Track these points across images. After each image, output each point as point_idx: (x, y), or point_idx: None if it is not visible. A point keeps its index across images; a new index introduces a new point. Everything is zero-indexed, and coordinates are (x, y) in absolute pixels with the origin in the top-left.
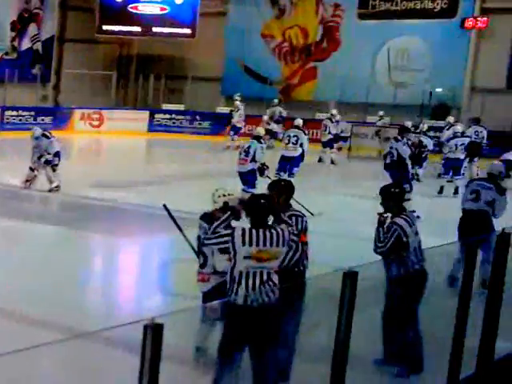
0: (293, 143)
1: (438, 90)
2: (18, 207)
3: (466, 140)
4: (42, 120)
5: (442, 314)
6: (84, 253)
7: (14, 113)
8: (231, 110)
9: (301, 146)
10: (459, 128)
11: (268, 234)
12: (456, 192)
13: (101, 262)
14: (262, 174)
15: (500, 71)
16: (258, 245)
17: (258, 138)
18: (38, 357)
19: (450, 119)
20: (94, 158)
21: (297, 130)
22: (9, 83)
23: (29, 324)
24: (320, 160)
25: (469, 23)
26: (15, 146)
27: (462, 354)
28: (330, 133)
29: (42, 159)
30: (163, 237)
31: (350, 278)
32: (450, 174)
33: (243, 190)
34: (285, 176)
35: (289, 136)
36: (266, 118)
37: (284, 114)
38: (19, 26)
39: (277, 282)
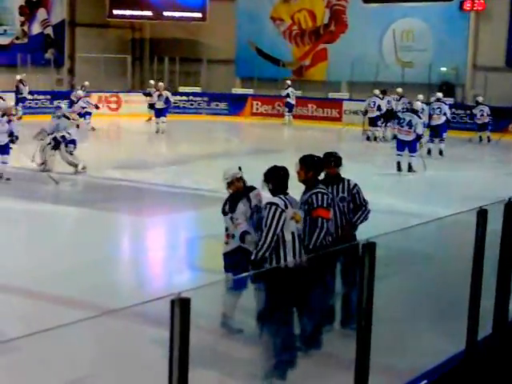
0: (437, 114)
1: (443, 68)
2: (42, 190)
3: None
4: (59, 103)
5: (457, 279)
6: (111, 232)
7: (29, 96)
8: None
9: (444, 114)
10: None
11: (291, 198)
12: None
13: (128, 241)
14: (418, 140)
15: (499, 50)
16: (292, 207)
17: (416, 112)
18: (68, 335)
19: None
20: (115, 140)
21: (439, 103)
22: (21, 68)
23: (60, 303)
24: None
25: (467, 5)
26: (32, 130)
27: (479, 316)
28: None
29: (58, 135)
30: (187, 214)
31: (368, 248)
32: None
33: (410, 156)
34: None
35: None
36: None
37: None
38: (28, 11)
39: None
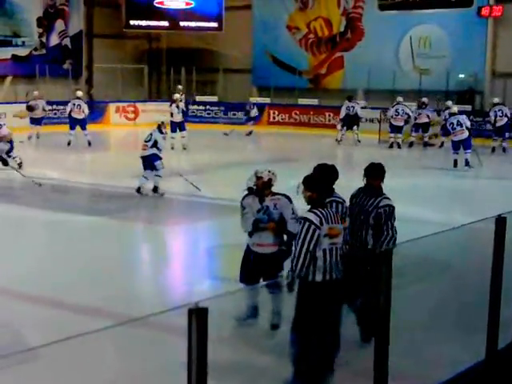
0: (500, 116)
1: (461, 75)
2: (60, 200)
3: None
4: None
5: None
6: (129, 241)
7: (49, 107)
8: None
9: (506, 116)
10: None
11: (330, 211)
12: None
13: (146, 250)
14: (471, 135)
15: None
16: (328, 222)
17: (456, 114)
18: (88, 344)
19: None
20: (132, 149)
21: (500, 106)
22: (40, 78)
23: (80, 312)
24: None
25: (485, 11)
26: (52, 140)
27: (499, 326)
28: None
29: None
30: (206, 224)
31: (385, 256)
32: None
33: (466, 153)
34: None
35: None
36: None
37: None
38: (46, 22)
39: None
